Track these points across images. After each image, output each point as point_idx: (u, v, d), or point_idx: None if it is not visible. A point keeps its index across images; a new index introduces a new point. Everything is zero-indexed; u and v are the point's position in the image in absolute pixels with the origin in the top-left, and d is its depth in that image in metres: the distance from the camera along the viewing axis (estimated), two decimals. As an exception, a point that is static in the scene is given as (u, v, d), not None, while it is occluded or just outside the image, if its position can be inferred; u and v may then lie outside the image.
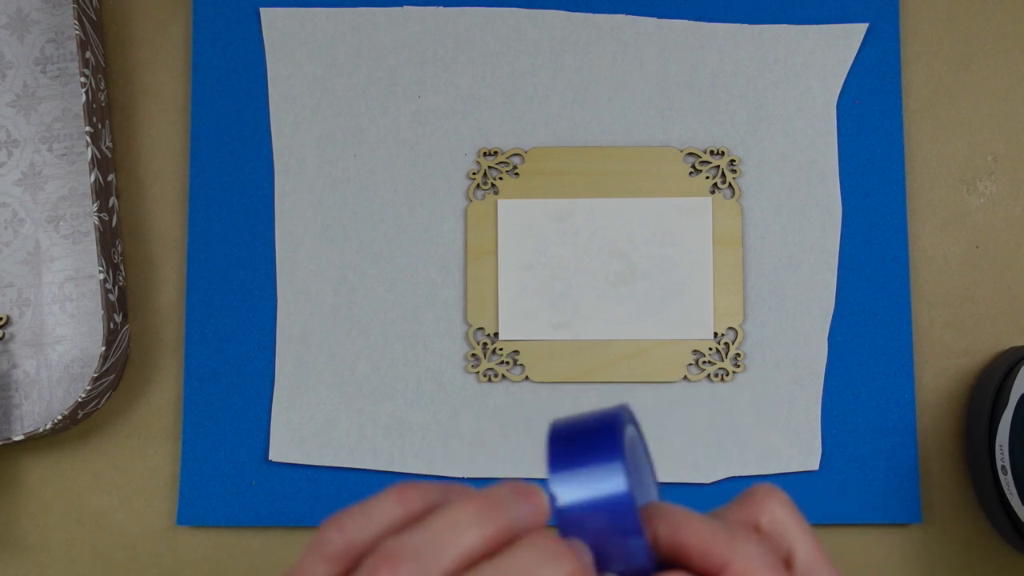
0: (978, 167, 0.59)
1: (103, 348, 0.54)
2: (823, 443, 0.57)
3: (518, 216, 0.58)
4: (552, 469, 0.28)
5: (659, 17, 0.59)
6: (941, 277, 0.58)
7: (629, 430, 0.29)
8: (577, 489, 0.28)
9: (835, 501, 0.56)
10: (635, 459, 0.31)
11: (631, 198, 0.58)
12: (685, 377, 0.57)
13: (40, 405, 0.57)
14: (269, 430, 0.57)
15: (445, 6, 0.59)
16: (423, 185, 0.59)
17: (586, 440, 0.28)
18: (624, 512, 0.27)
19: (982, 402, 0.55)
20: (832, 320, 0.57)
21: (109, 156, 0.58)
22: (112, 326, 0.55)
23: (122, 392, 0.58)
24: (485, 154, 0.59)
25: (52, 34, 0.59)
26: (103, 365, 0.54)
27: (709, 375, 0.57)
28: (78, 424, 0.57)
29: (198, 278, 0.58)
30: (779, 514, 0.30)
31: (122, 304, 0.57)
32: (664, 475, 0.56)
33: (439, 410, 0.57)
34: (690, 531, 0.28)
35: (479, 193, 0.58)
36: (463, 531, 0.26)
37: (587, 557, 0.27)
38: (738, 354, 0.57)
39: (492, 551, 0.26)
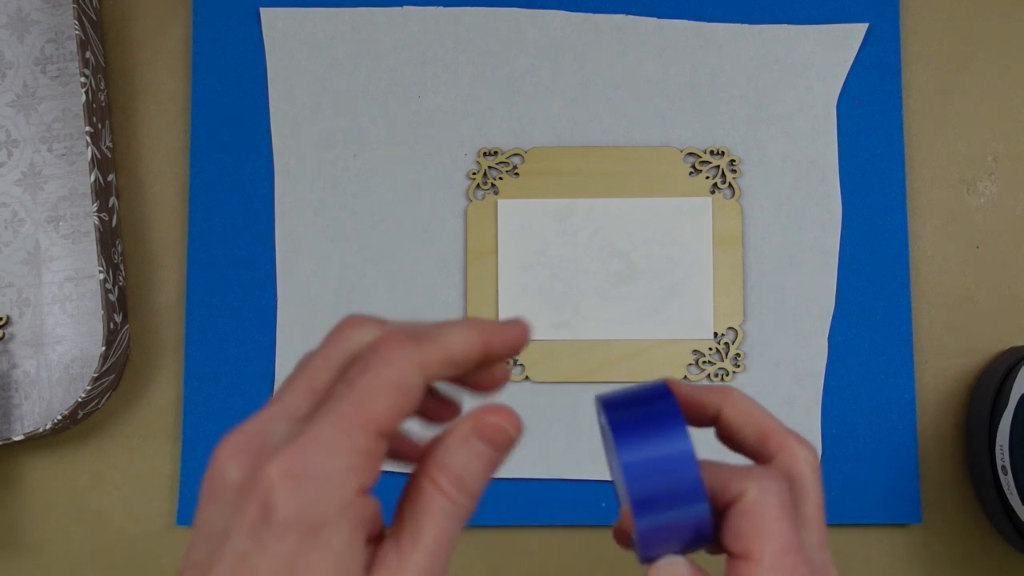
0: (978, 167, 0.59)
1: (103, 348, 0.54)
2: (823, 443, 0.57)
3: (518, 216, 0.58)
4: (618, 435, 0.29)
5: (659, 17, 0.59)
6: (941, 277, 0.58)
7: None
8: (645, 450, 0.29)
9: (835, 501, 0.56)
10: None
11: (631, 198, 0.58)
12: (685, 377, 0.57)
13: (40, 405, 0.57)
14: (269, 430, 0.57)
15: (445, 6, 0.59)
16: (423, 185, 0.59)
17: (645, 407, 0.29)
18: (689, 473, 0.28)
19: (982, 402, 0.55)
20: (832, 320, 0.57)
21: (109, 156, 0.58)
22: (112, 326, 0.55)
23: (122, 392, 0.58)
24: (485, 154, 0.59)
25: (52, 34, 0.59)
26: (103, 365, 0.54)
27: (709, 375, 0.57)
28: (78, 424, 0.57)
29: (198, 278, 0.58)
30: (800, 463, 0.31)
31: (122, 304, 0.57)
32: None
33: (439, 410, 0.57)
34: (713, 473, 0.30)
35: (479, 193, 0.59)
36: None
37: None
38: (738, 354, 0.57)
39: None
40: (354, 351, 0.28)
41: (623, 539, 0.33)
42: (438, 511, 0.27)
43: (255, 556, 0.25)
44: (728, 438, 0.33)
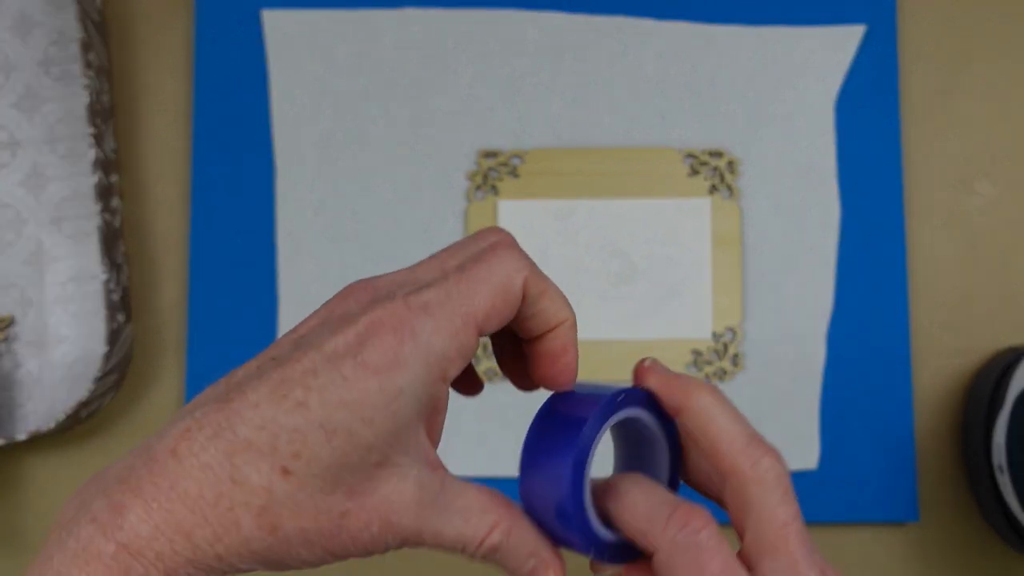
0: (976, 168, 0.59)
1: (106, 348, 0.54)
2: (821, 442, 0.57)
3: (518, 217, 0.58)
4: (532, 428, 0.30)
5: (658, 18, 0.59)
6: (938, 277, 0.59)
7: (630, 412, 0.30)
8: (538, 468, 0.29)
9: (833, 500, 0.57)
10: (641, 444, 0.32)
11: (631, 199, 0.58)
12: (684, 377, 0.57)
13: (43, 405, 0.57)
14: (271, 429, 0.58)
15: (445, 8, 0.60)
16: (423, 185, 0.59)
17: (573, 413, 0.30)
18: (565, 485, 0.28)
19: (979, 401, 0.55)
20: (830, 320, 0.57)
21: (112, 157, 0.58)
22: (115, 326, 0.55)
23: (125, 392, 0.59)
24: (485, 155, 0.59)
25: (55, 36, 0.59)
26: (106, 365, 0.54)
27: (708, 374, 0.57)
28: (81, 424, 0.57)
29: (200, 278, 0.59)
30: (751, 487, 0.29)
31: (125, 304, 0.57)
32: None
33: (440, 409, 0.57)
34: (631, 513, 0.29)
35: (479, 194, 0.59)
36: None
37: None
38: (737, 354, 0.57)
39: None
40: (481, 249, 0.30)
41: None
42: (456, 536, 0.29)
43: (324, 373, 0.26)
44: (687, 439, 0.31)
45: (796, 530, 0.28)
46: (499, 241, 0.30)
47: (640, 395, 0.30)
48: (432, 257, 0.30)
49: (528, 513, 0.30)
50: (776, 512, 0.28)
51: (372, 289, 0.29)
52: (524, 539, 0.29)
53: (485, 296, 0.28)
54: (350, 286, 0.29)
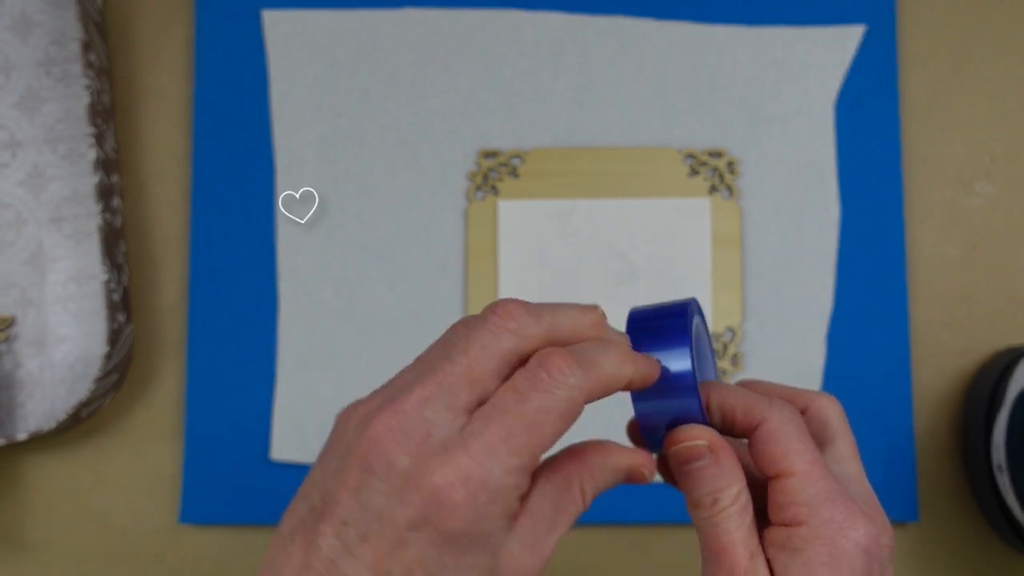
0: (975, 168, 0.59)
1: (106, 348, 0.54)
2: (821, 442, 0.57)
3: (518, 217, 0.58)
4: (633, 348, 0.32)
5: (658, 18, 0.60)
6: (938, 277, 0.59)
7: (695, 320, 0.34)
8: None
9: (833, 500, 0.57)
10: (699, 344, 0.35)
11: (630, 199, 0.58)
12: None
13: (43, 405, 0.57)
14: (271, 429, 0.58)
15: (445, 8, 0.60)
16: (423, 186, 0.59)
17: (661, 326, 0.32)
18: (687, 386, 0.31)
19: (978, 401, 0.55)
20: (830, 320, 0.58)
21: (112, 157, 0.59)
22: (115, 326, 0.55)
23: (125, 392, 0.59)
24: (485, 155, 0.59)
25: (55, 36, 0.59)
26: (106, 365, 0.54)
27: (708, 374, 0.57)
28: (81, 424, 0.57)
29: (200, 278, 0.59)
30: (827, 410, 0.34)
31: (125, 304, 0.57)
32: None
33: (440, 409, 0.57)
34: (736, 397, 0.32)
35: (479, 194, 0.59)
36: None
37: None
38: (737, 354, 0.57)
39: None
40: (516, 351, 0.28)
41: (635, 433, 0.35)
42: (573, 513, 0.29)
43: (414, 545, 0.26)
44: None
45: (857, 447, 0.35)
46: (551, 357, 0.28)
47: (696, 302, 0.34)
48: (455, 362, 0.28)
49: (640, 410, 0.32)
50: (849, 435, 0.34)
51: (414, 426, 0.27)
52: (603, 468, 0.31)
53: (552, 430, 0.27)
54: (384, 424, 0.27)
